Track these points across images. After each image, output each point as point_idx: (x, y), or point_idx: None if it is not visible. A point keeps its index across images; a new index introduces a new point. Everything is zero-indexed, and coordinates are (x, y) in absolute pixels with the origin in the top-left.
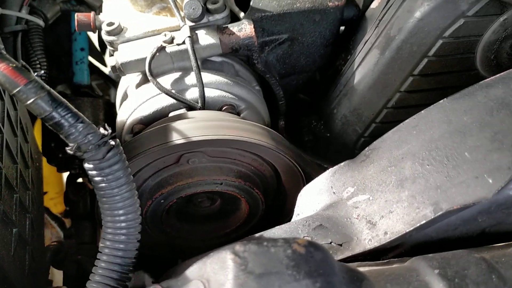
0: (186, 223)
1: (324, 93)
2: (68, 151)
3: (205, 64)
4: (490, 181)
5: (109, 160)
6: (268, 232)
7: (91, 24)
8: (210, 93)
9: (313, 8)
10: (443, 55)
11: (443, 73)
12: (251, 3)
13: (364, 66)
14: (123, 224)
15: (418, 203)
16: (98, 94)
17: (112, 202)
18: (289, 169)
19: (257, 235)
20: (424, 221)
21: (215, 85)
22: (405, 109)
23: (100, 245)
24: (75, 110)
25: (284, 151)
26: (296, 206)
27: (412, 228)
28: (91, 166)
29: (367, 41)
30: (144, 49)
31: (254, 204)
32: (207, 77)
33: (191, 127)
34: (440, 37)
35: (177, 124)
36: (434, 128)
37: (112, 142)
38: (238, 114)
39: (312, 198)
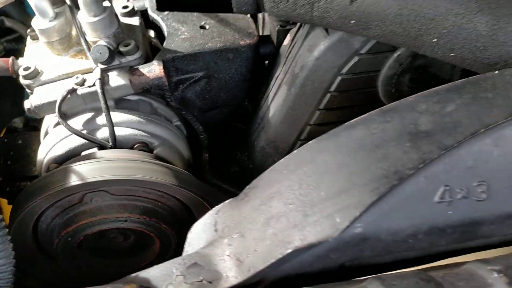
0: (102, 258)
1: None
2: None
3: (120, 103)
4: (338, 220)
5: None
6: (144, 272)
7: (9, 68)
8: (121, 131)
9: (225, 47)
10: (345, 90)
11: (348, 107)
12: (163, 45)
13: (276, 100)
14: None
15: (278, 241)
16: None
17: None
18: (197, 203)
19: (133, 275)
20: (273, 260)
21: (127, 124)
22: None
23: None
24: None
25: (184, 187)
26: (186, 243)
27: (264, 266)
28: None
29: (277, 77)
30: (57, 92)
31: (164, 239)
32: (119, 116)
33: (92, 168)
34: (338, 74)
35: (79, 165)
36: (301, 168)
37: None
38: (151, 150)
39: (198, 235)
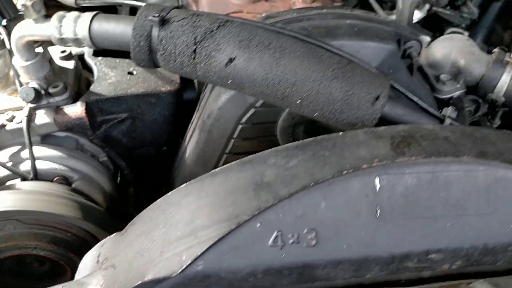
0: (23, 282)
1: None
2: None
3: (47, 139)
4: (184, 257)
5: None
6: None
7: None
8: (43, 165)
9: (147, 92)
10: (247, 138)
11: (253, 152)
12: (90, 88)
13: (191, 143)
14: None
15: (138, 274)
16: None
17: None
18: (105, 235)
19: None
20: None
21: (49, 158)
22: None
23: None
24: None
25: (84, 219)
26: (77, 271)
27: None
28: None
29: (193, 121)
30: None
31: (75, 267)
32: (43, 151)
33: (4, 199)
34: (238, 123)
35: None
36: (169, 208)
37: None
38: (70, 184)
39: (85, 265)
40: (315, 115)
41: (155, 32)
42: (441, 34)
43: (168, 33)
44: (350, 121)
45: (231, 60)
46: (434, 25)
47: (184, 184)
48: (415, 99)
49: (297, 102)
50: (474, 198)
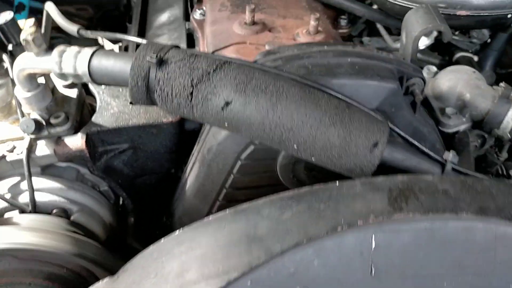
0: None
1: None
2: None
3: (47, 169)
4: None
5: None
6: None
7: None
8: (42, 197)
9: (148, 123)
10: (246, 173)
11: (253, 187)
12: (92, 118)
13: (191, 175)
14: None
15: None
16: None
17: None
18: (101, 271)
19: None
20: None
21: (48, 190)
22: None
23: None
24: None
25: (82, 255)
26: None
27: None
28: None
29: (194, 153)
30: None
31: None
32: (42, 182)
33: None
34: (238, 159)
35: None
36: (161, 257)
37: None
38: (69, 216)
39: None
40: (312, 159)
41: (152, 73)
42: (450, 58)
43: (166, 74)
44: (348, 167)
45: (227, 104)
46: (443, 49)
47: (178, 231)
48: (416, 143)
49: (294, 146)
50: (473, 257)
